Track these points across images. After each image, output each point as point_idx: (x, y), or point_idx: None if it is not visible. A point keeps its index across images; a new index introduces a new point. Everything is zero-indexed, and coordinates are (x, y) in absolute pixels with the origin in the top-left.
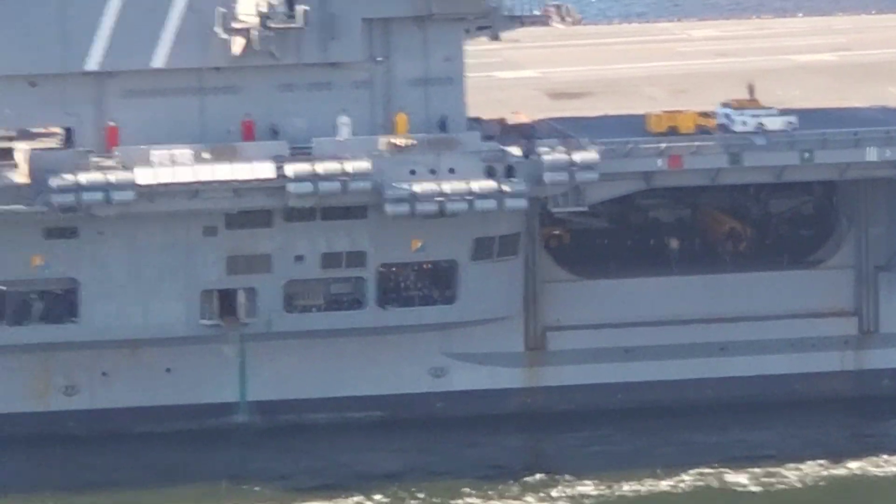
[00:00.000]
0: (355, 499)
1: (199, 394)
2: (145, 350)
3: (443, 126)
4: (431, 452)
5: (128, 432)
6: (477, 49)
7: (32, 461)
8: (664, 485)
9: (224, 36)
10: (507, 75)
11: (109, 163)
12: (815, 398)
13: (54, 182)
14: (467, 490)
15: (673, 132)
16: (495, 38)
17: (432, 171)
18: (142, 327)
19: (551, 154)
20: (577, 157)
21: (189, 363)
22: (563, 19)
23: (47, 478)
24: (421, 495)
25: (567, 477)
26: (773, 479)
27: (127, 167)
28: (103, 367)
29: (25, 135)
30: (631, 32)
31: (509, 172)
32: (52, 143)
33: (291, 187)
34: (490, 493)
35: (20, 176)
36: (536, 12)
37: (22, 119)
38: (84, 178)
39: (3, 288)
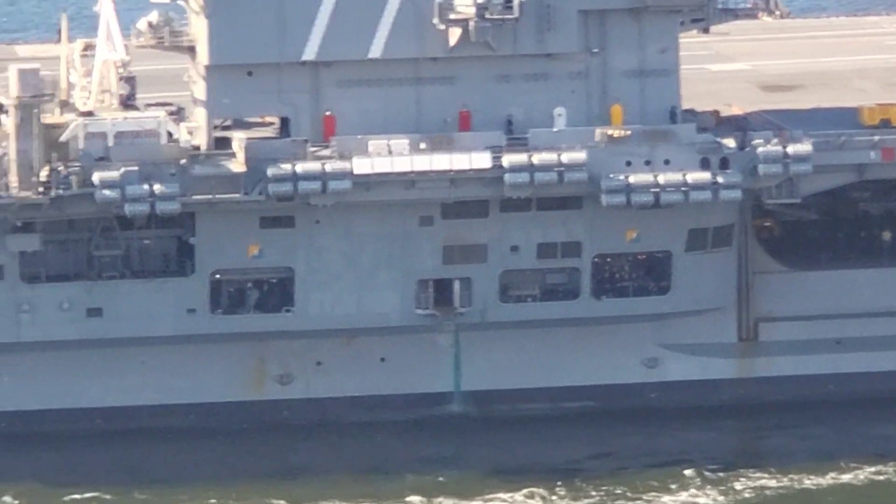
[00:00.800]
0: (569, 488)
1: (413, 383)
2: (360, 339)
3: (672, 117)
4: (645, 442)
5: (342, 421)
6: (687, 41)
7: (246, 450)
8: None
9: (441, 27)
10: (719, 68)
11: (326, 152)
12: None
13: (271, 171)
14: (681, 479)
15: (886, 125)
16: (706, 30)
17: (647, 163)
18: (357, 316)
19: (765, 146)
20: (792, 149)
21: (403, 353)
22: (771, 13)
23: (261, 466)
24: (637, 484)
25: (775, 468)
26: None
27: (344, 157)
28: (318, 356)
29: (241, 124)
30: (840, 26)
31: (724, 164)
32: (267, 132)
33: (508, 178)
34: (703, 482)
35: (237, 165)
36: (747, 5)
37: (239, 108)
38: (301, 167)
39: (220, 277)
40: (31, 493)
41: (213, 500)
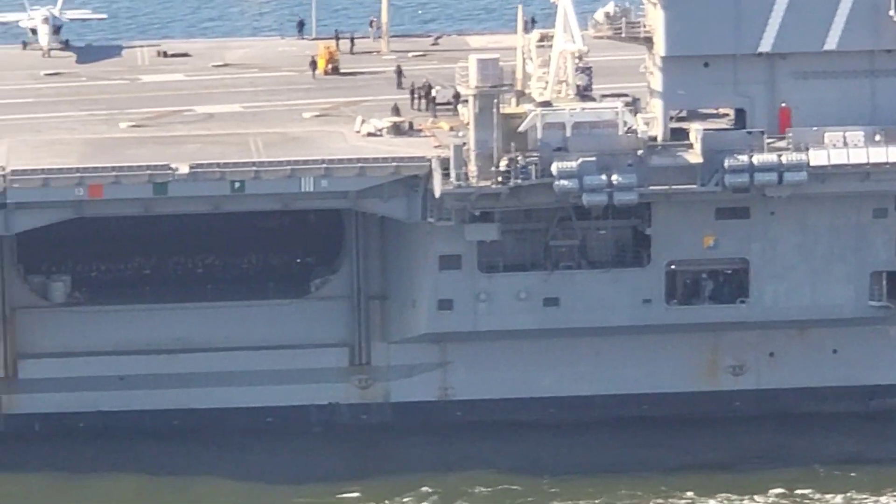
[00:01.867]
0: None
1: (864, 375)
2: (812, 331)
3: None
4: None
5: (793, 412)
6: None
7: (699, 440)
8: None
9: None
10: None
11: (782, 144)
12: None
13: (728, 162)
14: None
15: None
16: None
17: None
18: (810, 308)
19: None
20: None
21: (856, 344)
22: None
23: (708, 456)
24: None
25: None
26: None
27: (800, 148)
28: (771, 347)
29: (694, 115)
30: None
31: None
32: (720, 123)
33: None
34: None
35: (694, 156)
36: None
37: (694, 99)
38: (758, 158)
39: (675, 267)
40: (489, 480)
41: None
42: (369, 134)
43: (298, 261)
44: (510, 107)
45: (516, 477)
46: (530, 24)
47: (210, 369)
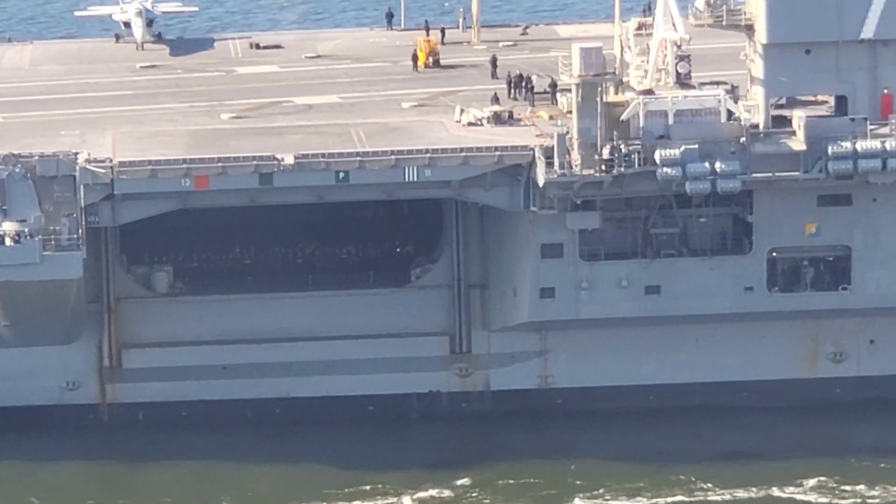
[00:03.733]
0: None
1: None
2: None
3: None
4: None
5: (893, 399)
6: None
7: (796, 427)
8: None
9: None
10: None
11: (885, 130)
12: None
13: (832, 149)
14: None
15: None
16: None
17: None
18: None
19: None
20: None
21: None
22: None
23: (812, 444)
24: None
25: None
26: None
27: None
28: (871, 334)
29: (793, 102)
30: None
31: None
32: (819, 110)
33: None
34: None
35: (797, 143)
36: None
37: (795, 86)
38: (861, 145)
39: (776, 255)
40: (586, 468)
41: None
42: (470, 124)
43: (398, 250)
44: (613, 95)
45: (616, 465)
46: (648, 9)
47: (311, 358)
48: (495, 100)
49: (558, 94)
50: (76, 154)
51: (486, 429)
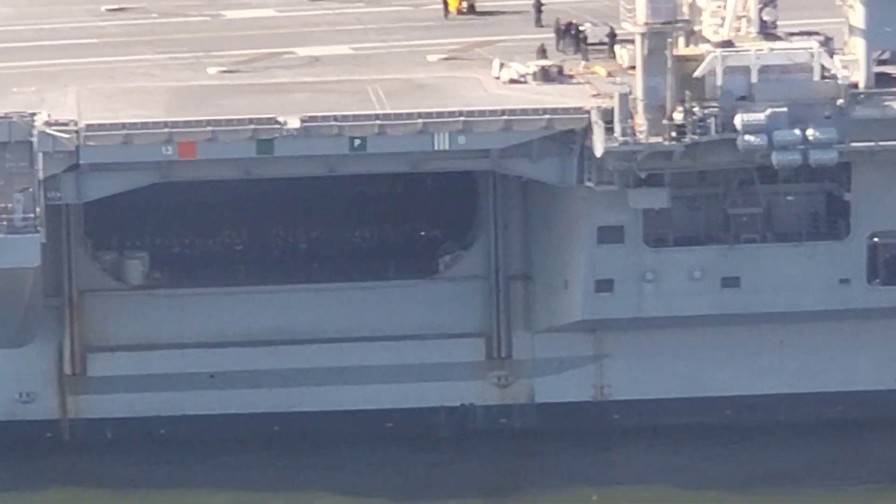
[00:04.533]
0: None
1: None
2: None
3: None
4: None
5: None
6: None
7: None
8: None
9: None
10: None
11: None
12: None
13: None
14: None
15: None
16: None
17: None
18: None
19: None
20: None
21: None
22: None
23: None
24: None
25: None
26: None
27: None
28: None
29: None
30: None
31: None
32: None
33: None
34: None
35: None
36: None
37: None
38: None
39: (879, 240)
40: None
41: None
42: (511, 81)
43: (423, 234)
44: (683, 48)
45: (686, 493)
46: None
47: (317, 365)
48: (542, 52)
49: (617, 46)
50: (32, 115)
51: (529, 450)
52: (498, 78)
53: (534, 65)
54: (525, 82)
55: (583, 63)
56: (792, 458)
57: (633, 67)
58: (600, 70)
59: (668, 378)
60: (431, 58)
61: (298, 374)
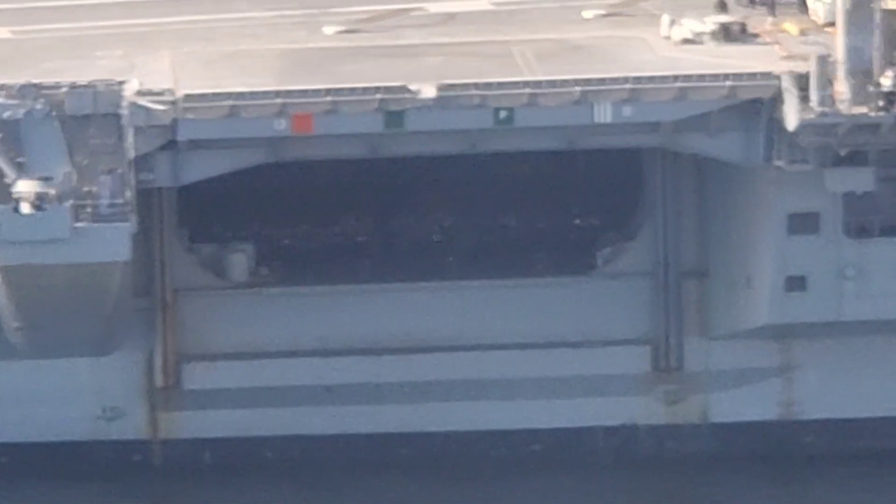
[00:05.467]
0: None
1: None
2: None
3: None
4: None
5: None
6: None
7: None
8: None
9: None
10: None
11: None
12: None
13: None
14: None
15: None
16: None
17: None
18: None
19: None
20: None
21: None
22: None
23: None
24: None
25: None
26: None
27: None
28: None
29: None
30: None
31: None
32: None
33: None
34: None
35: None
36: None
37: None
38: None
39: None
40: None
41: None
42: (685, 40)
43: (578, 223)
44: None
45: None
46: None
47: (453, 377)
48: (721, 6)
49: (811, 0)
50: (121, 83)
51: (702, 478)
52: (668, 38)
53: (711, 21)
54: (701, 43)
55: (770, 19)
56: None
57: (832, 24)
58: (791, 28)
59: (871, 394)
60: (587, 14)
61: (430, 388)
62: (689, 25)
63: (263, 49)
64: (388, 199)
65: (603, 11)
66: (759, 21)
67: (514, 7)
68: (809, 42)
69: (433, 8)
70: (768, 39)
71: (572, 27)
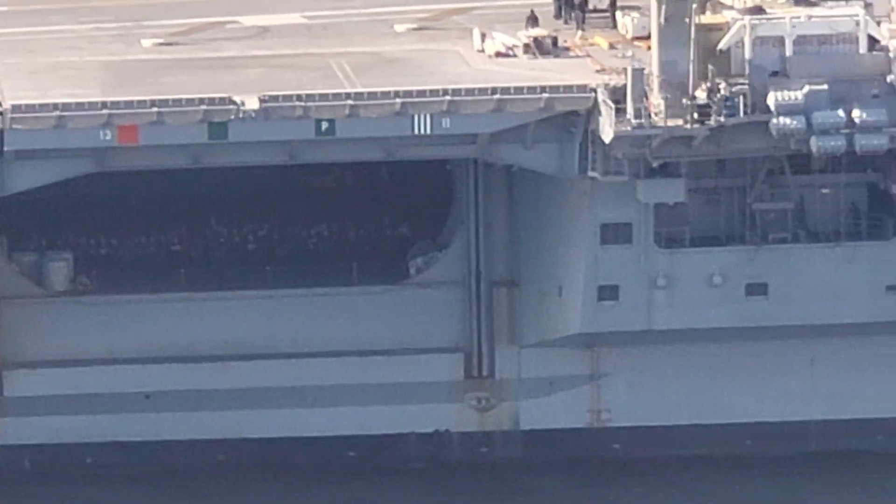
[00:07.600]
0: None
1: None
2: None
3: None
4: None
5: None
6: None
7: None
8: None
9: None
10: None
11: None
12: None
13: None
14: None
15: None
16: None
17: None
18: None
19: None
20: None
21: None
22: None
23: None
24: None
25: None
26: None
27: None
28: None
29: None
30: None
31: None
32: None
33: None
34: None
35: None
36: None
37: None
38: None
39: None
40: None
41: None
42: (498, 54)
43: (390, 233)
44: (706, 16)
45: None
46: None
47: (269, 384)
48: (533, 20)
49: (619, 13)
50: None
51: (513, 484)
52: (482, 51)
53: (524, 35)
54: (514, 55)
55: (579, 33)
56: (823, 496)
57: (640, 38)
58: (601, 41)
59: (678, 402)
60: (399, 28)
61: (247, 395)
62: (501, 39)
63: (85, 61)
64: (202, 209)
65: (414, 25)
66: (570, 35)
67: (326, 21)
68: (619, 55)
69: (247, 21)
70: (579, 53)
71: (386, 40)
